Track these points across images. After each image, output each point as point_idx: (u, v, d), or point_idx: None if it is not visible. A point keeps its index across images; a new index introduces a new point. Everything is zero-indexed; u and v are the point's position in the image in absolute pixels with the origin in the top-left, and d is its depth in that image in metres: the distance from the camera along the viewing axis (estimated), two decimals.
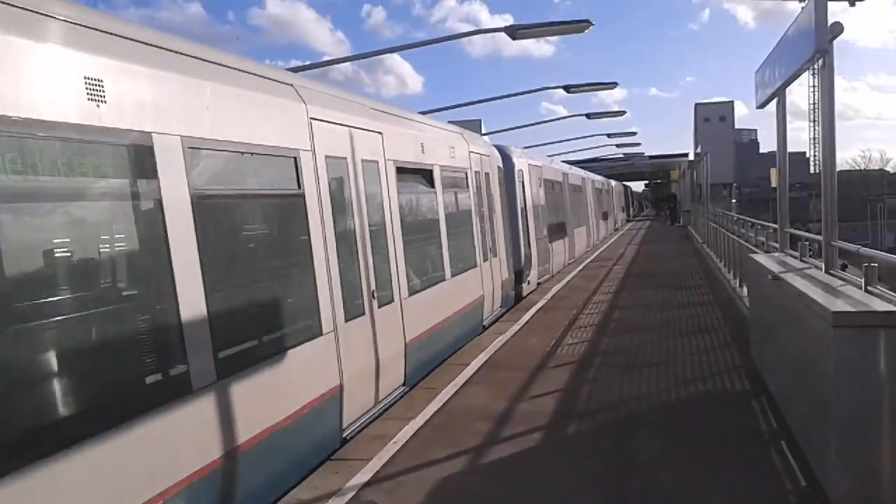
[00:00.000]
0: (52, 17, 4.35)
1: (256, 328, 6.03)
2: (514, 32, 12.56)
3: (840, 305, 5.15)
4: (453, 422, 7.64)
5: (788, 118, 9.37)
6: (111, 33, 4.81)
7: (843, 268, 7.98)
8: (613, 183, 53.09)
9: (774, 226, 11.21)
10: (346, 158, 7.97)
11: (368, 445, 6.98)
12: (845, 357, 4.83)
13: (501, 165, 16.25)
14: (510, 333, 12.20)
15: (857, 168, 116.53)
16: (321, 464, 6.61)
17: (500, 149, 17.18)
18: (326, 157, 7.39)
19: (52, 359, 4.14)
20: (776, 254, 9.82)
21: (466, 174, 12.99)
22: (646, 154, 55.73)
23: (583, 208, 30.07)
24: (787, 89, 8.93)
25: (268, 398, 5.91)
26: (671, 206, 53.82)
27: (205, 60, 5.78)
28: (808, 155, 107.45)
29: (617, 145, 41.18)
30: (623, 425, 7.43)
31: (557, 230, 22.61)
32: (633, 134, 38.07)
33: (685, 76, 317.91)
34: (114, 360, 4.51)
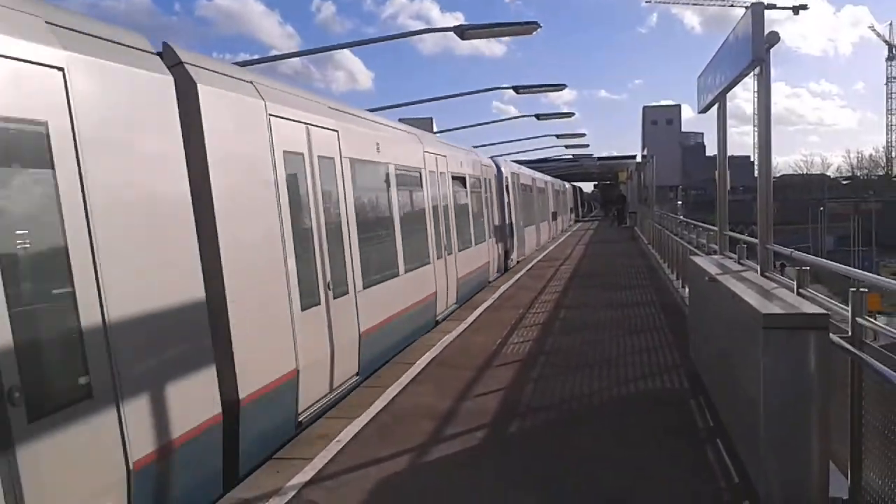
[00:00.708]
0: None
1: None
2: (462, 32, 12.61)
3: (771, 307, 5.31)
4: (398, 420, 7.67)
5: (735, 123, 9.79)
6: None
7: (783, 268, 8.22)
8: (566, 184, 53.66)
9: (715, 228, 11.47)
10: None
11: (311, 444, 6.97)
12: (775, 358, 4.97)
13: (496, 174, 20.87)
14: (457, 332, 12.26)
15: (800, 172, 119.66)
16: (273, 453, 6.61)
17: (494, 160, 21.96)
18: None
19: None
20: (715, 256, 10.05)
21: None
22: (594, 155, 56.17)
23: (545, 206, 35.63)
24: (733, 94, 9.17)
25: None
26: (619, 207, 54.10)
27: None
28: (752, 159, 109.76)
29: (566, 146, 41.49)
30: (564, 424, 7.54)
31: (529, 223, 28.22)
32: (583, 135, 38.32)
33: (633, 79, 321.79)
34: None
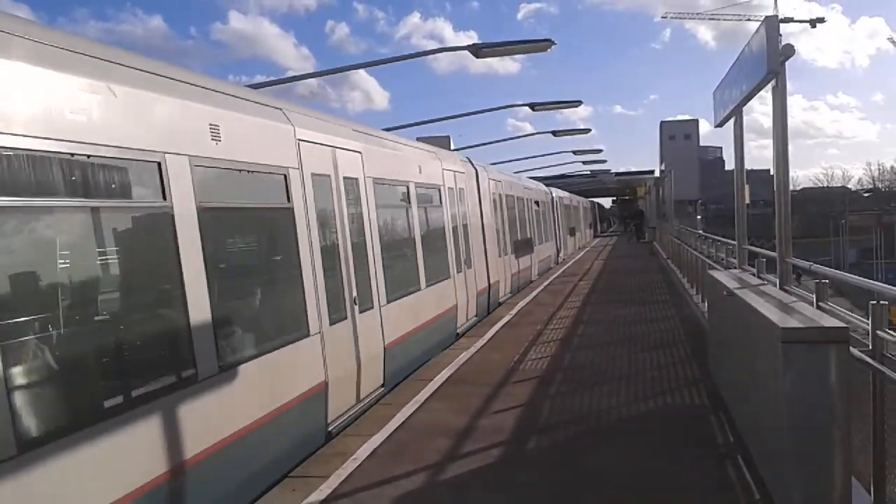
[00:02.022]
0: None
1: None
2: (478, 51, 12.66)
3: (790, 321, 5.24)
4: (414, 438, 7.63)
5: (754, 136, 9.73)
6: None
7: (798, 277, 8.14)
8: (580, 199, 53.57)
9: (734, 242, 11.39)
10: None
11: (328, 462, 6.94)
12: (795, 372, 4.90)
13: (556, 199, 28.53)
14: (474, 349, 12.22)
15: (820, 186, 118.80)
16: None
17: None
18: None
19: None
20: (734, 270, 9.98)
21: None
22: (612, 171, 56.15)
23: (562, 221, 37.12)
24: (751, 108, 9.14)
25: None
26: (637, 222, 53.61)
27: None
28: (772, 172, 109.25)
29: (583, 162, 41.50)
30: (583, 441, 7.47)
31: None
32: (599, 151, 38.47)
33: (649, 94, 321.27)
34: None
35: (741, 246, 10.22)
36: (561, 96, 28.15)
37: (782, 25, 6.67)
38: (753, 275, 8.78)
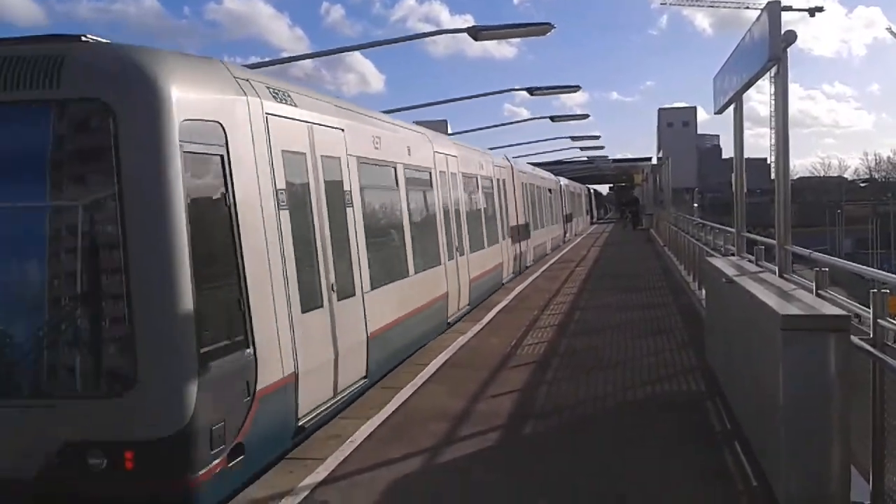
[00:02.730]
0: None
1: None
2: (476, 33, 12.57)
3: (790, 309, 5.23)
4: (411, 421, 7.62)
5: (750, 125, 9.66)
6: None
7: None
8: (576, 185, 53.57)
9: (732, 230, 11.38)
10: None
11: (324, 444, 6.94)
12: (795, 360, 4.89)
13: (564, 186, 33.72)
14: (471, 334, 12.22)
15: (817, 175, 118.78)
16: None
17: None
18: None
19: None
20: (733, 257, 9.97)
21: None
22: (609, 157, 56.05)
23: (568, 206, 40.36)
24: (748, 96, 9.10)
25: None
26: (633, 210, 53.31)
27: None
28: (768, 161, 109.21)
29: (581, 148, 41.40)
30: (579, 426, 7.48)
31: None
32: (597, 137, 38.31)
33: (645, 80, 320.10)
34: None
35: (740, 233, 10.21)
36: (557, 82, 27.98)
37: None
38: (752, 262, 8.77)
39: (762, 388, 5.64)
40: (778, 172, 7.38)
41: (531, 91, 19.84)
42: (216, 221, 6.17)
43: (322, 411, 7.56)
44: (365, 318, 9.00)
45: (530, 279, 20.08)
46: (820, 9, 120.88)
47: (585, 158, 49.22)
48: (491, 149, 23.52)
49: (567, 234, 37.39)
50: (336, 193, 8.67)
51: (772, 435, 5.25)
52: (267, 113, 7.07)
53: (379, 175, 10.64)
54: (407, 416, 7.83)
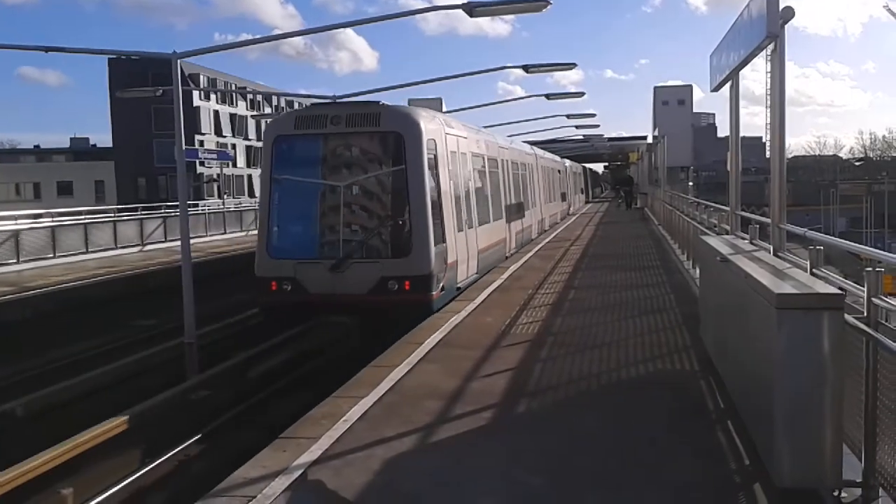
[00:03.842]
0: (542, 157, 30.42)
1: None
2: (471, 10, 12.46)
3: (784, 287, 5.22)
4: (405, 400, 7.62)
5: (745, 104, 9.60)
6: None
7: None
8: (574, 164, 53.60)
9: (726, 208, 11.35)
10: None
11: (318, 423, 6.93)
12: (789, 338, 4.88)
13: (567, 165, 42.84)
14: (465, 313, 12.20)
15: (812, 154, 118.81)
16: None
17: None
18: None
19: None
20: (727, 236, 9.94)
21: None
22: (605, 136, 55.87)
23: (572, 183, 47.57)
24: (742, 74, 9.03)
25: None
26: (626, 189, 52.96)
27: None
28: (764, 139, 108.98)
29: (576, 126, 41.27)
30: (572, 405, 7.50)
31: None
32: (593, 115, 38.17)
33: (639, 59, 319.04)
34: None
35: (734, 212, 10.19)
36: (551, 60, 28.04)
37: None
38: (746, 241, 8.75)
39: (755, 368, 5.64)
40: (773, 150, 7.33)
41: (527, 69, 19.73)
42: (435, 186, 13.39)
43: (465, 284, 14.83)
44: (477, 241, 16.12)
45: (524, 259, 20.06)
46: None
47: (581, 137, 49.08)
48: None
49: (571, 208, 44.59)
50: (464, 172, 15.93)
51: (765, 413, 5.25)
52: (445, 133, 14.56)
53: (480, 162, 18.02)
54: (401, 394, 7.83)
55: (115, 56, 62.25)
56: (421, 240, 12.59)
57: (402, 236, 12.77)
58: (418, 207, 12.73)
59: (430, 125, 13.51)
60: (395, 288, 12.38)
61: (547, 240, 26.03)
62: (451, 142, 14.72)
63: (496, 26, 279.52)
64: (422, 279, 12.44)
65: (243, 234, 33.46)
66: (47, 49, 14.47)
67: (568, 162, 45.91)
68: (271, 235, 13.27)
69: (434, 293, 12.65)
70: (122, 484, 9.01)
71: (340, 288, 12.50)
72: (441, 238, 13.16)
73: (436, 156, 13.47)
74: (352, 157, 13.37)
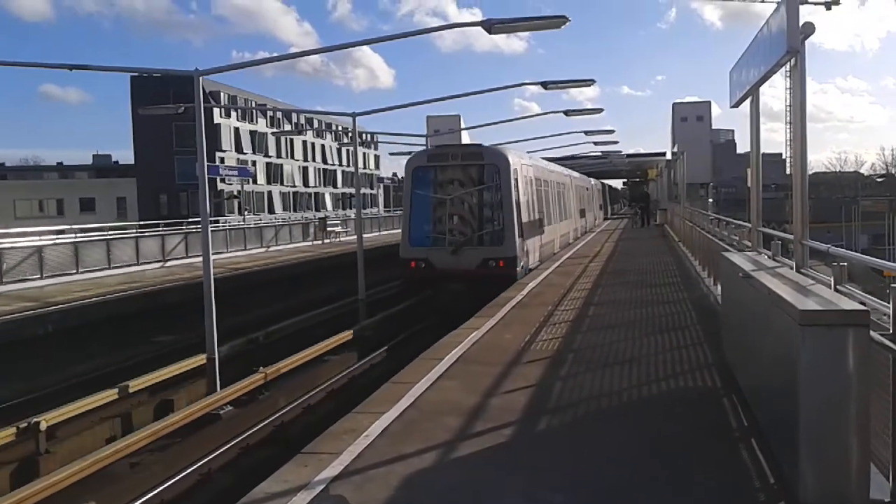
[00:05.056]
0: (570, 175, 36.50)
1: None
2: (490, 27, 12.50)
3: (808, 304, 5.18)
4: (425, 416, 7.61)
5: (763, 120, 9.49)
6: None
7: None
8: (592, 180, 53.62)
9: (748, 225, 11.29)
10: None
11: (339, 439, 6.93)
12: (813, 355, 4.85)
13: (593, 183, 51.76)
14: (485, 329, 12.19)
15: (832, 170, 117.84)
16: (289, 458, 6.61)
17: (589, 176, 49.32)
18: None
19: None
20: (749, 252, 9.89)
21: (588, 186, 44.12)
22: (623, 152, 55.67)
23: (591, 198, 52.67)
24: (762, 91, 9.01)
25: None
26: (642, 205, 52.36)
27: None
28: (784, 156, 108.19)
29: (594, 143, 41.20)
30: (593, 422, 7.45)
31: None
32: (611, 132, 38.04)
33: (656, 75, 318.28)
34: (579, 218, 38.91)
35: (756, 228, 10.13)
36: (567, 76, 28.80)
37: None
38: (769, 257, 8.70)
39: (780, 384, 5.60)
40: (795, 166, 7.31)
41: (545, 85, 19.74)
42: (517, 200, 20.17)
43: (531, 267, 21.19)
44: (538, 239, 22.99)
45: (543, 275, 20.03)
46: (836, 1, 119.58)
47: (599, 153, 48.98)
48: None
49: (596, 220, 51.05)
50: (531, 191, 22.54)
51: (789, 431, 5.20)
52: (521, 164, 21.76)
53: (544, 183, 25.98)
54: (421, 410, 7.82)
55: (137, 73, 63.04)
56: (510, 234, 19.66)
57: (498, 232, 19.82)
58: (508, 213, 19.83)
59: (513, 158, 20.83)
60: (493, 265, 19.37)
61: (566, 255, 25.99)
62: (524, 170, 22.07)
63: (511, 43, 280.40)
64: (510, 259, 19.48)
65: (263, 250, 33.61)
66: (72, 67, 14.61)
67: (592, 180, 52.42)
68: (412, 230, 20.37)
69: (517, 269, 19.54)
70: None
71: (457, 265, 19.38)
72: (521, 235, 20.06)
73: (517, 179, 20.47)
74: (464, 180, 20.29)
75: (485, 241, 19.79)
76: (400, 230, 22.39)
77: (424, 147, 30.43)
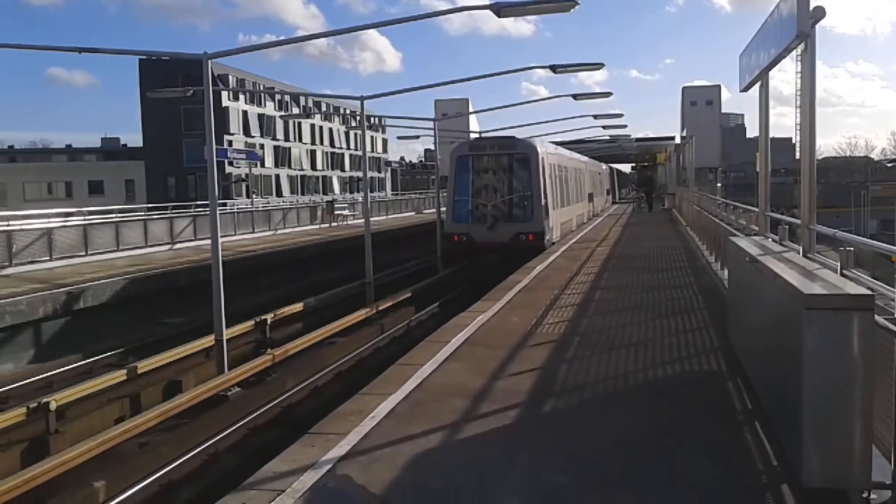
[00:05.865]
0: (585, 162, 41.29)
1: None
2: (499, 10, 12.45)
3: (814, 288, 5.20)
4: (431, 398, 7.67)
5: (773, 104, 9.47)
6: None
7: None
8: (602, 165, 53.58)
9: (756, 209, 11.28)
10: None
11: (346, 419, 7.00)
12: (818, 339, 4.87)
13: (604, 168, 56.17)
14: (491, 312, 12.24)
15: (842, 155, 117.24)
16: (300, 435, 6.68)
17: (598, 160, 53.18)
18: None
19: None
20: (756, 237, 9.88)
21: (599, 170, 49.60)
22: (631, 136, 55.43)
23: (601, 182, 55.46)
24: (771, 74, 8.97)
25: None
26: (646, 190, 51.80)
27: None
28: (793, 140, 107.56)
29: (603, 127, 41.05)
30: (599, 404, 7.50)
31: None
32: (620, 116, 37.84)
33: (664, 58, 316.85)
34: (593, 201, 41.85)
35: (764, 212, 10.12)
36: (575, 60, 28.26)
37: None
38: (776, 242, 8.70)
39: (784, 368, 5.62)
40: (804, 151, 7.29)
41: (554, 68, 19.66)
42: (544, 184, 24.03)
43: (555, 240, 24.96)
44: (559, 217, 26.26)
45: (550, 259, 20.04)
46: None
47: (608, 137, 48.81)
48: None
49: (607, 203, 54.23)
50: (555, 176, 26.40)
51: (793, 414, 5.23)
52: (547, 152, 25.99)
53: (564, 169, 29.44)
54: (427, 392, 7.88)
55: (146, 57, 62.98)
56: (538, 212, 23.50)
57: (528, 209, 23.62)
58: (536, 194, 23.60)
59: (541, 148, 24.70)
60: (524, 238, 23.09)
61: (574, 240, 26.00)
62: (550, 158, 26.20)
63: (519, 26, 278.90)
64: (538, 233, 23.35)
65: (271, 233, 33.72)
66: (81, 50, 14.61)
67: (603, 165, 56.48)
68: (456, 209, 24.15)
69: (544, 241, 23.25)
70: None
71: (493, 238, 23.13)
72: (547, 213, 23.89)
73: (544, 167, 24.19)
74: (499, 167, 23.92)
75: (517, 217, 23.55)
76: (410, 213, 30.53)
77: (431, 131, 31.27)
